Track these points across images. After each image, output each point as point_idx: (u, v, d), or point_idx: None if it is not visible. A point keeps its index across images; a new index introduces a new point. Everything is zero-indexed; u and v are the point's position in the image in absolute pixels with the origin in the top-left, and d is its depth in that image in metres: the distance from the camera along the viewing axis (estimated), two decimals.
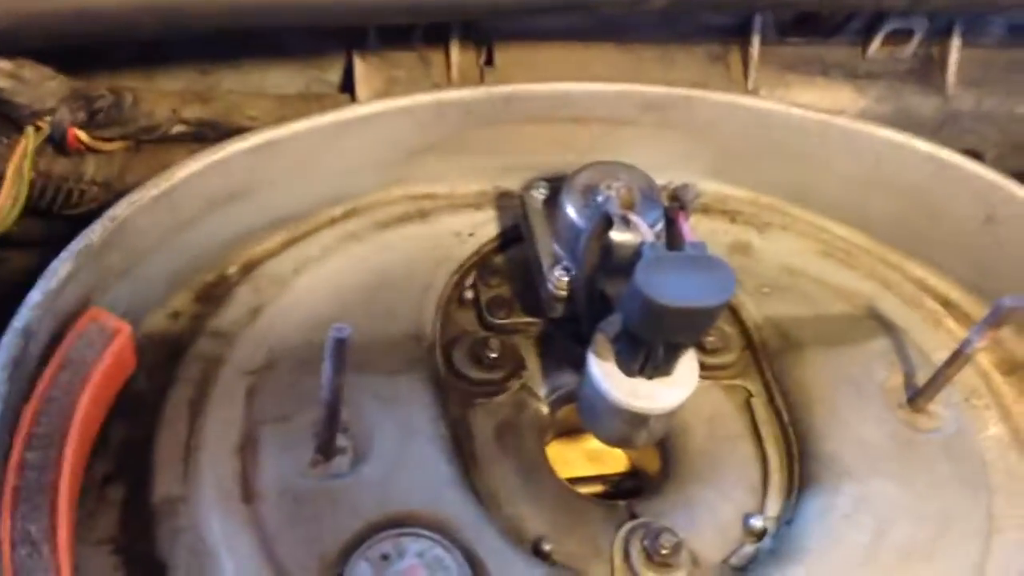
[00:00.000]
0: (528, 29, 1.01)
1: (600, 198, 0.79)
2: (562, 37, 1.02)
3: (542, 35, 1.01)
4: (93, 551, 0.68)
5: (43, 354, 0.66)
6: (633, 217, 0.72)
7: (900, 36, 1.06)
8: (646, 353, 0.72)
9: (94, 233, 0.70)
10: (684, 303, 0.65)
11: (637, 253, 0.77)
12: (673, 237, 0.79)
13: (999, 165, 0.99)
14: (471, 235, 0.91)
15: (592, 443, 0.92)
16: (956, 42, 1.07)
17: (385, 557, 0.68)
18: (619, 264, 0.78)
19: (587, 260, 0.77)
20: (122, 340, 0.68)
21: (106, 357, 0.67)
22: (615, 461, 0.96)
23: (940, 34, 1.07)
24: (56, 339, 0.67)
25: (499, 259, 0.90)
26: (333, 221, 0.90)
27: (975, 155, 0.99)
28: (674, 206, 0.81)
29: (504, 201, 0.94)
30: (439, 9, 0.90)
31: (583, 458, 0.96)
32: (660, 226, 0.78)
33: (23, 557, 0.59)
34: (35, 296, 0.66)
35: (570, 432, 0.92)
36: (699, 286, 0.66)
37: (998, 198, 0.89)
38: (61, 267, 0.67)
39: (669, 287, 0.66)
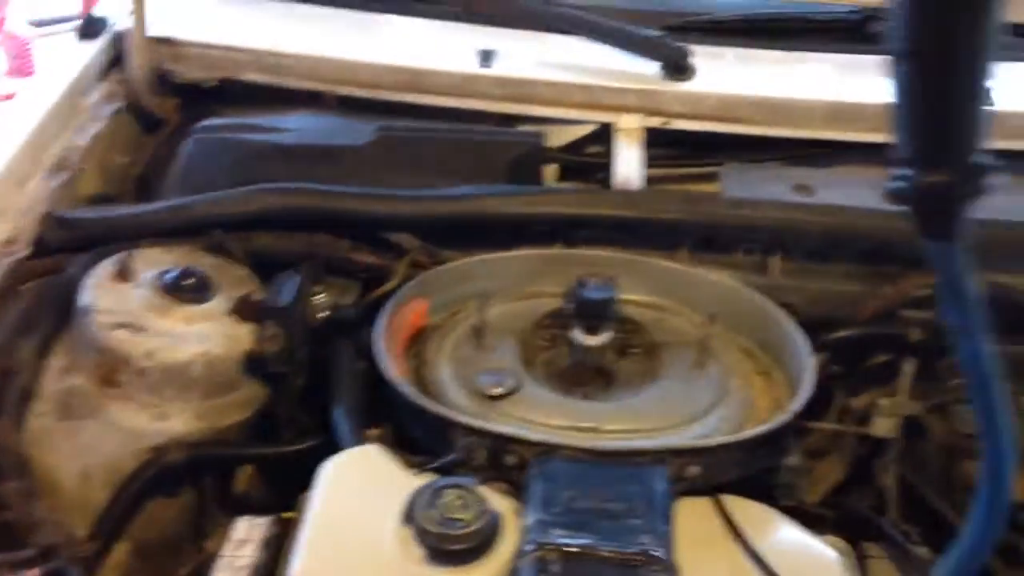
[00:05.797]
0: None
1: None
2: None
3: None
4: None
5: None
6: None
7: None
8: None
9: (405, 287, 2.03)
10: None
11: None
12: None
13: (801, 312, 2.20)
14: None
15: None
16: (777, 254, 2.32)
17: None
18: None
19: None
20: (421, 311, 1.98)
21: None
22: None
23: (769, 251, 2.33)
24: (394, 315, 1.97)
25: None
26: None
27: (789, 307, 2.22)
28: None
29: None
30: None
31: None
32: None
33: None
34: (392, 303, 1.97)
35: None
36: None
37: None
38: (403, 291, 1.99)
39: None
